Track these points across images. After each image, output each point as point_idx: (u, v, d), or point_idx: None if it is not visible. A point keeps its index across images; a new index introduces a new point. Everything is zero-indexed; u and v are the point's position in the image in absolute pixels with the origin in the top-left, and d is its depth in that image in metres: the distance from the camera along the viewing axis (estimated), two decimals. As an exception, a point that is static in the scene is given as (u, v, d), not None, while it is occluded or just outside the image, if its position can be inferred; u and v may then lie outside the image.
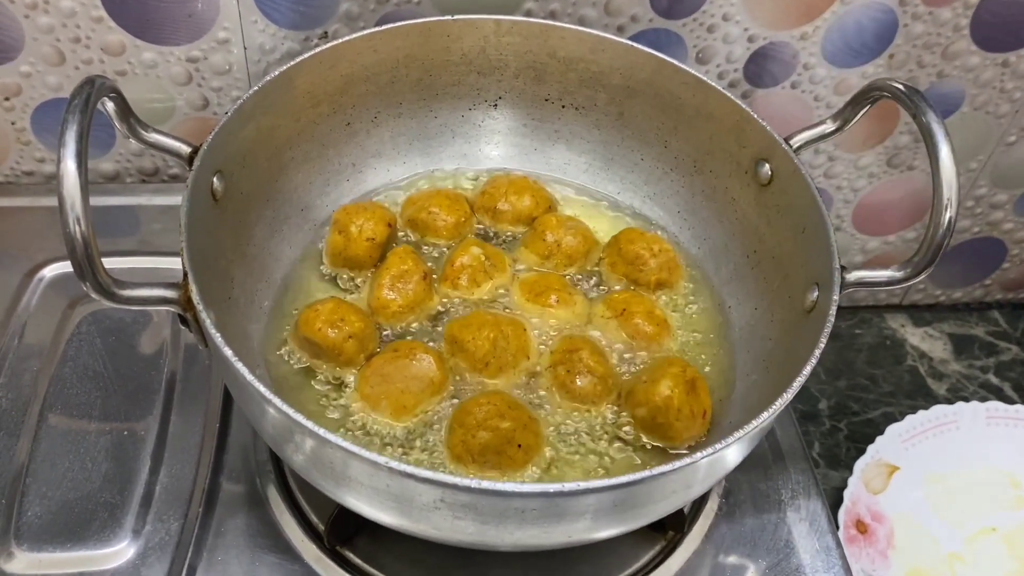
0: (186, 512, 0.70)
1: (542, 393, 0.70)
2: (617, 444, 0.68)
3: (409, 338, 0.72)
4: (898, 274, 0.65)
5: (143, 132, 0.65)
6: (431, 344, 0.72)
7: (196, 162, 0.64)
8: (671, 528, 0.73)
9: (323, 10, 0.84)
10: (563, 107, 0.85)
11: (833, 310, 0.62)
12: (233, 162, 0.70)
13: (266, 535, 0.70)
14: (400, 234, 0.81)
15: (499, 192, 0.82)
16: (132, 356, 0.80)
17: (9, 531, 0.68)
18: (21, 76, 0.87)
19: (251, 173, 0.73)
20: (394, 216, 0.79)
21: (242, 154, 0.71)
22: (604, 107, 0.84)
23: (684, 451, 0.68)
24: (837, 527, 0.87)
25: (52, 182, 0.96)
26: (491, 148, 0.88)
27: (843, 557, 0.73)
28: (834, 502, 0.90)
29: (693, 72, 0.77)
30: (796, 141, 0.72)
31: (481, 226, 0.83)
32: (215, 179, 0.67)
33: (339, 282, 0.77)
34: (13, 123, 0.91)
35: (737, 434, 0.55)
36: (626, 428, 0.69)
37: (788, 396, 0.57)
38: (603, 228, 0.83)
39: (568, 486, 0.51)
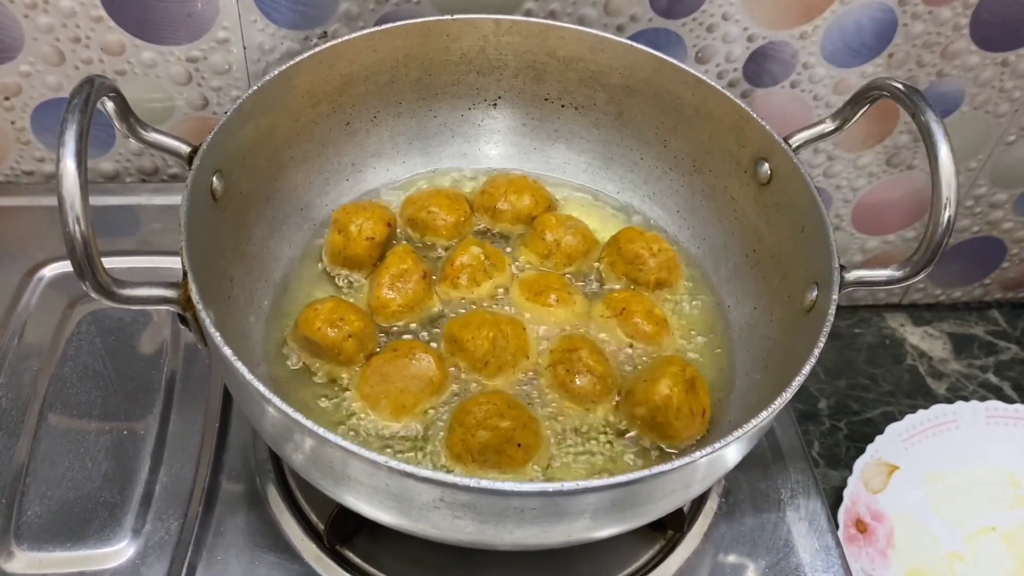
0: (186, 511, 0.70)
1: (542, 392, 0.70)
2: (616, 443, 0.68)
3: (409, 337, 0.72)
4: (897, 273, 0.65)
5: (143, 132, 0.65)
6: (431, 343, 0.72)
7: (196, 162, 0.64)
8: (671, 527, 0.73)
9: (322, 10, 0.84)
10: (562, 106, 0.85)
11: (832, 309, 0.62)
12: (233, 162, 0.70)
13: (266, 534, 0.70)
14: (400, 233, 0.81)
15: (499, 191, 0.82)
16: (132, 356, 0.80)
17: (9, 530, 0.68)
18: (21, 76, 0.87)
19: (250, 173, 0.73)
20: (393, 215, 0.79)
21: (241, 154, 0.71)
22: (603, 106, 0.84)
23: (683, 450, 0.68)
24: (837, 526, 0.87)
25: (52, 181, 0.96)
26: (491, 147, 0.88)
27: (842, 556, 0.73)
28: (834, 501, 0.90)
29: (692, 71, 0.77)
30: (795, 140, 0.72)
31: (481, 225, 0.83)
32: (215, 179, 0.67)
33: (338, 281, 0.77)
34: (13, 123, 0.91)
35: (736, 433, 0.55)
36: (625, 427, 0.69)
37: (787, 395, 0.57)
38: (602, 227, 0.83)
39: (567, 485, 0.51)
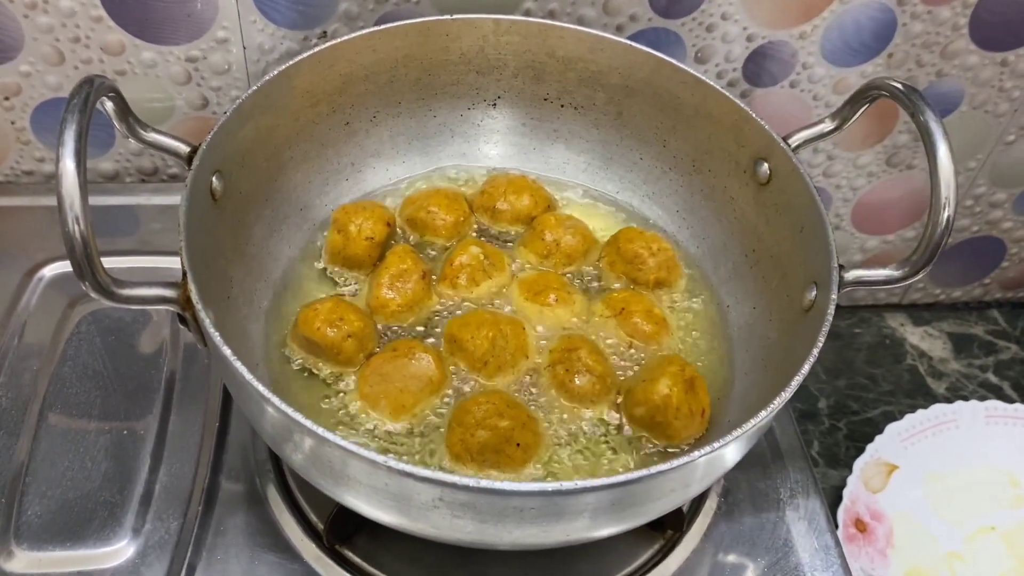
0: (185, 511, 0.70)
1: (541, 392, 0.70)
2: (616, 443, 0.68)
3: (408, 337, 0.72)
4: (897, 273, 0.65)
5: (142, 132, 0.65)
6: (430, 343, 0.72)
7: (195, 162, 0.64)
8: (670, 527, 0.73)
9: (322, 10, 0.84)
10: (562, 106, 0.85)
11: (831, 309, 0.62)
12: (232, 162, 0.70)
13: (265, 534, 0.70)
14: (399, 233, 0.81)
15: (498, 191, 0.82)
16: (132, 355, 0.80)
17: (9, 530, 0.68)
18: (21, 76, 0.87)
19: (250, 173, 0.73)
20: (393, 215, 0.79)
21: (241, 154, 0.71)
22: (603, 106, 0.84)
23: (683, 450, 0.68)
24: (836, 526, 0.87)
25: (52, 181, 0.96)
26: (490, 147, 0.88)
27: (842, 556, 0.73)
28: (833, 501, 0.90)
29: (692, 71, 0.77)
30: (795, 140, 0.72)
31: (480, 225, 0.83)
32: (214, 179, 0.67)
33: (338, 281, 0.77)
34: (13, 122, 0.91)
35: (735, 432, 0.55)
36: (625, 427, 0.69)
37: (787, 395, 0.57)
38: (602, 227, 0.83)
39: (566, 485, 0.51)
